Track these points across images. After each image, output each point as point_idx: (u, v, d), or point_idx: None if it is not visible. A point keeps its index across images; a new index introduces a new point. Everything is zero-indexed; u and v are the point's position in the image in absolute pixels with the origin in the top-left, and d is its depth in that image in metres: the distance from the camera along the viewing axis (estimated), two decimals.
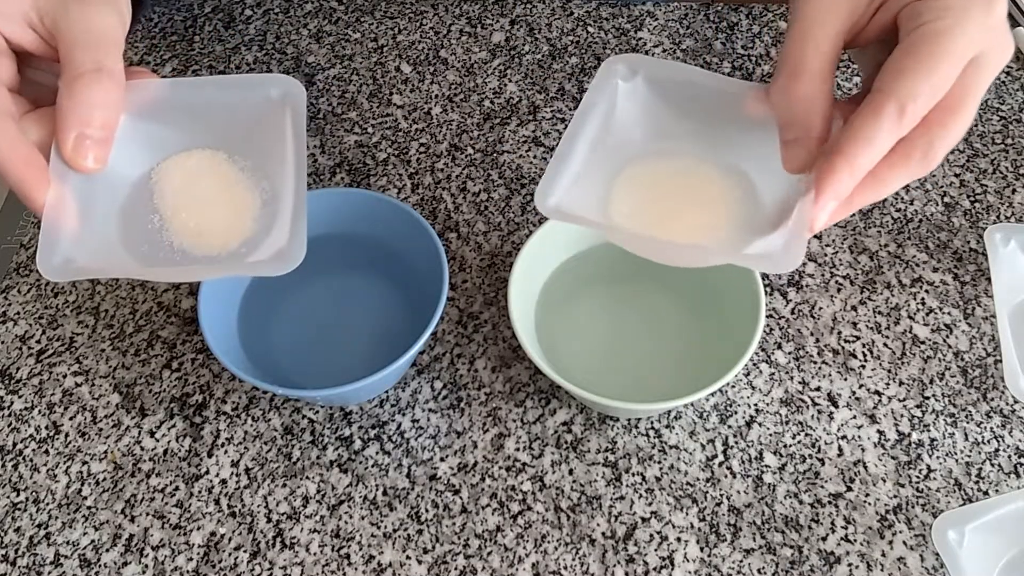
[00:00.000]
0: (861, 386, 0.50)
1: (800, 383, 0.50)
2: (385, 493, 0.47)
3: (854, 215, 0.56)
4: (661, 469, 0.47)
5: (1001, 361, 0.50)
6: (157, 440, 0.49)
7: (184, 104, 0.39)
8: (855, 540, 0.45)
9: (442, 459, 0.48)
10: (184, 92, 0.39)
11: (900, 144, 0.34)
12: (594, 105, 0.39)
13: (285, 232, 0.39)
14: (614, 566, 0.44)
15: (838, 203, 0.34)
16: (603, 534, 0.45)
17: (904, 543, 0.45)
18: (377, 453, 0.48)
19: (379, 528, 0.46)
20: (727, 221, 0.37)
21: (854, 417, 0.49)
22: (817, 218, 0.34)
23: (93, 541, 0.46)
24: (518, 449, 0.48)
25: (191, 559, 0.45)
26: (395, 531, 0.46)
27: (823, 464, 0.47)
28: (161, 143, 0.39)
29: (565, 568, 0.44)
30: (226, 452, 0.49)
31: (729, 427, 0.48)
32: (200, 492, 0.47)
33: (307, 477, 0.48)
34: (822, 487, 0.46)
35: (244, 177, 0.40)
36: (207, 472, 0.48)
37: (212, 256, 0.39)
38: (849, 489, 0.46)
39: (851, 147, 0.33)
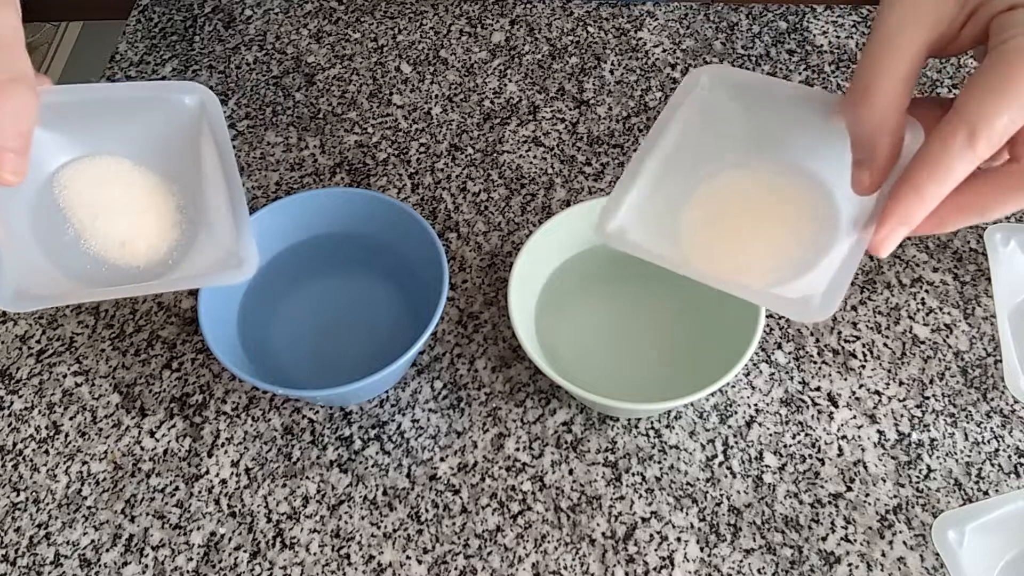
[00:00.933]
0: (861, 386, 0.50)
1: (800, 383, 0.50)
2: (385, 493, 0.47)
3: None
4: (661, 469, 0.47)
5: (1001, 361, 0.50)
6: (157, 440, 0.49)
7: (82, 110, 0.38)
8: (855, 540, 0.45)
9: (442, 459, 0.48)
10: (81, 97, 0.38)
11: (1005, 167, 0.31)
12: (671, 119, 0.38)
13: (221, 238, 0.38)
14: (614, 566, 0.44)
15: (908, 228, 0.32)
16: (603, 534, 0.45)
17: (904, 543, 0.45)
18: (377, 453, 0.48)
19: (379, 528, 0.46)
20: (799, 243, 0.36)
21: (854, 417, 0.49)
22: (881, 244, 0.32)
23: (93, 541, 0.46)
24: (518, 449, 0.48)
25: (191, 559, 0.45)
26: (395, 531, 0.46)
27: (823, 464, 0.47)
28: (58, 150, 0.38)
29: (565, 568, 0.44)
30: (226, 452, 0.49)
31: (729, 427, 0.48)
32: (200, 492, 0.47)
33: (307, 477, 0.48)
34: (822, 487, 0.46)
35: (152, 183, 0.40)
36: (207, 472, 0.48)
37: (138, 266, 0.39)
38: (849, 489, 0.46)
39: (918, 175, 0.31)
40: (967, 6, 0.32)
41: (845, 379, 0.50)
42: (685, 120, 0.38)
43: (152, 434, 0.49)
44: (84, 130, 0.39)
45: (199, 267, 0.39)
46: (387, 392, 0.50)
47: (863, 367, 0.50)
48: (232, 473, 0.48)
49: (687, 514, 0.46)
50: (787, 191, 0.37)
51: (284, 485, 0.47)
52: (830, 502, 0.46)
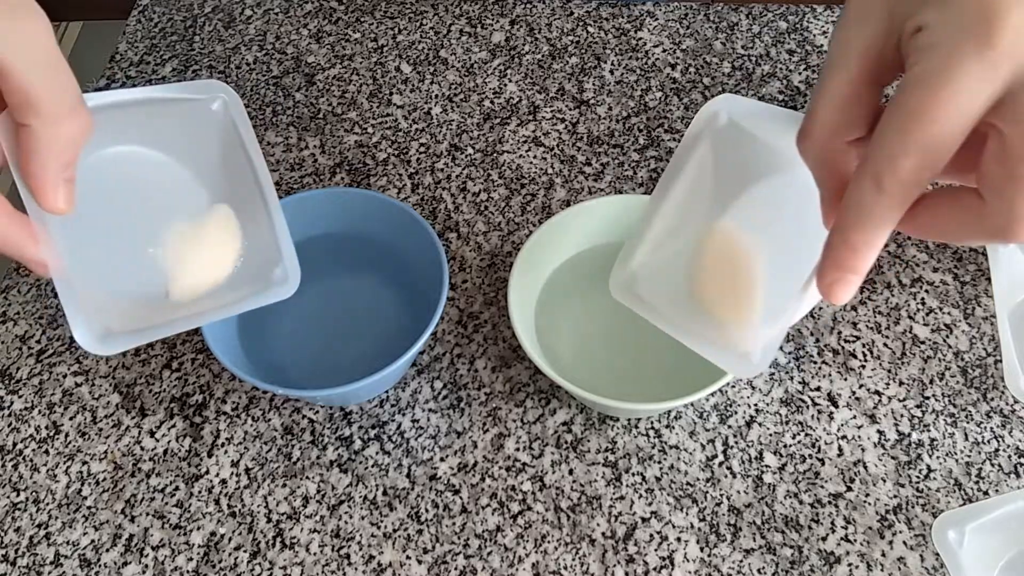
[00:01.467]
0: (861, 386, 0.50)
1: (800, 383, 0.50)
2: (385, 493, 0.47)
3: None
4: (661, 469, 0.47)
5: (1001, 361, 0.50)
6: (157, 440, 0.49)
7: (121, 116, 0.37)
8: (855, 540, 0.45)
9: (442, 459, 0.48)
10: (110, 101, 0.36)
11: (963, 197, 0.27)
12: (685, 160, 0.37)
13: (265, 250, 0.38)
14: (614, 566, 0.44)
15: (855, 275, 0.29)
16: (603, 534, 0.45)
17: (904, 543, 0.45)
18: (377, 453, 0.48)
19: (379, 528, 0.46)
20: (783, 295, 0.35)
21: (854, 417, 0.49)
22: (829, 292, 0.29)
23: (93, 541, 0.46)
24: (518, 449, 0.48)
25: (191, 559, 0.45)
26: (395, 531, 0.46)
27: (823, 464, 0.47)
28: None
29: (565, 568, 0.44)
30: (226, 452, 0.49)
31: (729, 427, 0.48)
32: (200, 492, 0.47)
33: (307, 477, 0.48)
34: (822, 487, 0.46)
35: (205, 196, 0.39)
36: (207, 472, 0.48)
37: (204, 284, 0.38)
38: (849, 489, 0.46)
39: (843, 221, 0.28)
40: (893, 30, 0.28)
41: (845, 379, 0.50)
42: (699, 162, 0.38)
43: (152, 434, 0.49)
44: (123, 135, 0.38)
45: (250, 284, 0.39)
46: (387, 392, 0.50)
47: (863, 367, 0.50)
48: (232, 473, 0.48)
49: (687, 514, 0.46)
50: (779, 241, 0.36)
51: (284, 485, 0.47)
52: (830, 502, 0.46)
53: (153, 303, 0.38)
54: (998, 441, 0.48)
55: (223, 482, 0.48)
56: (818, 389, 0.50)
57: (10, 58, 0.30)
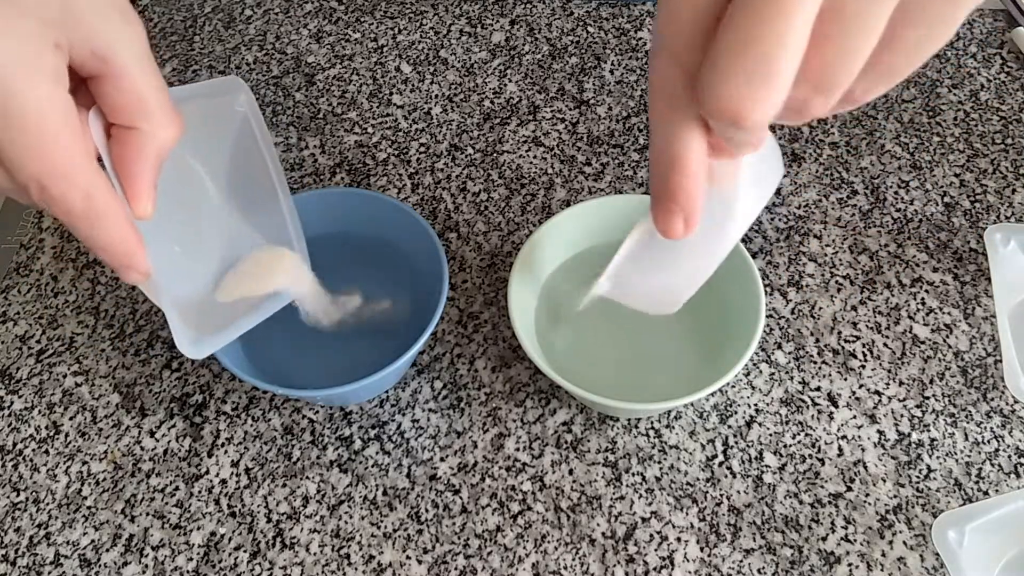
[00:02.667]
0: (861, 386, 0.50)
1: (800, 383, 0.50)
2: (385, 493, 0.47)
3: (854, 215, 0.56)
4: (661, 469, 0.47)
5: (1001, 361, 0.50)
6: (157, 440, 0.49)
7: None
8: (855, 540, 0.45)
9: (442, 459, 0.48)
10: None
11: None
12: None
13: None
14: (614, 566, 0.44)
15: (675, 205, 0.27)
16: (603, 534, 0.45)
17: (904, 543, 0.45)
18: (377, 453, 0.48)
19: (379, 528, 0.46)
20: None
21: (854, 417, 0.49)
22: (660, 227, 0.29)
23: (93, 541, 0.46)
24: (518, 449, 0.48)
25: (191, 559, 0.45)
26: (395, 531, 0.46)
27: (823, 464, 0.47)
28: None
29: (565, 568, 0.44)
30: (226, 452, 0.49)
31: (729, 427, 0.48)
32: (200, 492, 0.47)
33: (307, 477, 0.48)
34: (822, 487, 0.46)
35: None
36: (207, 472, 0.48)
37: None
38: (849, 489, 0.46)
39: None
40: None
41: (845, 379, 0.50)
42: None
43: (152, 434, 0.49)
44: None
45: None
46: (387, 392, 0.50)
47: (863, 367, 0.50)
48: (232, 473, 0.48)
49: (687, 514, 0.46)
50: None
51: (284, 485, 0.47)
52: (830, 502, 0.46)
53: (209, 303, 0.38)
54: (998, 441, 0.48)
55: (223, 482, 0.48)
56: (818, 389, 0.50)
57: (125, 58, 0.29)
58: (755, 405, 0.49)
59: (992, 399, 0.49)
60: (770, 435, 0.48)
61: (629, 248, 0.35)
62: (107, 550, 0.46)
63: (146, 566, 0.45)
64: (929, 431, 0.48)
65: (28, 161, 0.28)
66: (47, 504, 0.47)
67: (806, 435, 0.48)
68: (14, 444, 0.49)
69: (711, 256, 0.34)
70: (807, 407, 0.49)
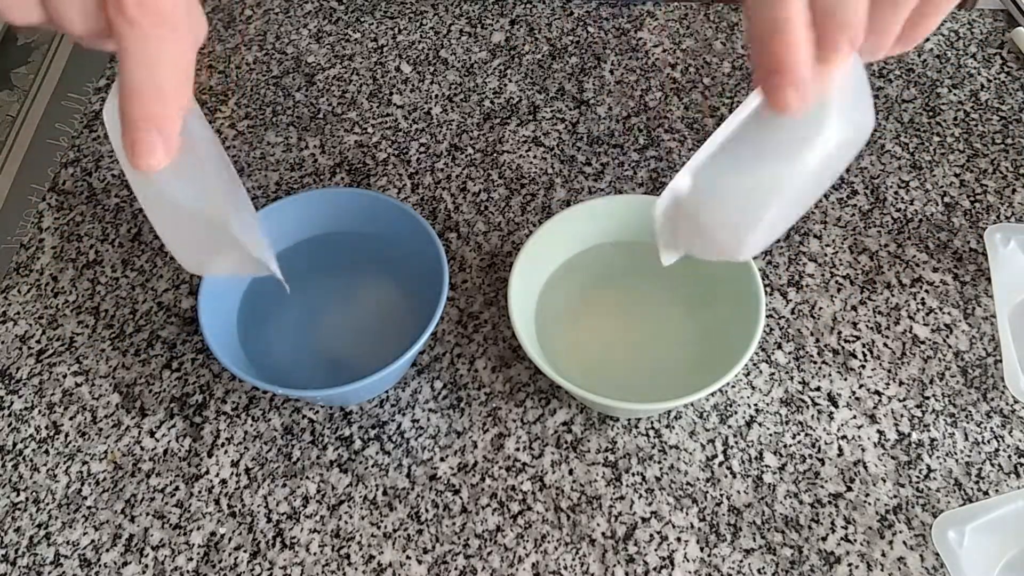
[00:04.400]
0: (861, 386, 0.50)
1: (800, 383, 0.50)
2: (385, 493, 0.47)
3: (854, 215, 0.56)
4: (661, 469, 0.47)
5: (1001, 361, 0.50)
6: (157, 440, 0.49)
7: None
8: (855, 540, 0.45)
9: (442, 459, 0.48)
10: None
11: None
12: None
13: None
14: (614, 566, 0.44)
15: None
16: (603, 534, 0.45)
17: (904, 543, 0.45)
18: (377, 453, 0.48)
19: (379, 528, 0.46)
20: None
21: (854, 417, 0.49)
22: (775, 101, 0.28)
23: (93, 541, 0.46)
24: (518, 449, 0.48)
25: (191, 559, 0.45)
26: (395, 531, 0.46)
27: (823, 464, 0.47)
28: None
29: (565, 568, 0.44)
30: (226, 452, 0.49)
31: (729, 427, 0.48)
32: (200, 492, 0.47)
33: (307, 477, 0.48)
34: (822, 487, 0.46)
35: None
36: (207, 472, 0.48)
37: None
38: (849, 489, 0.46)
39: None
40: None
41: (845, 379, 0.50)
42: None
43: (152, 434, 0.49)
44: None
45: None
46: (387, 392, 0.50)
47: (863, 367, 0.50)
48: (232, 473, 0.48)
49: (687, 514, 0.46)
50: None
51: (284, 485, 0.47)
52: (830, 502, 0.46)
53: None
54: (998, 441, 0.48)
55: (223, 482, 0.48)
56: (818, 389, 0.50)
57: None
58: (755, 405, 0.49)
59: (992, 399, 0.49)
60: (770, 435, 0.48)
61: (725, 134, 0.32)
62: (107, 550, 0.46)
63: (146, 566, 0.45)
64: (929, 431, 0.48)
65: None
66: (47, 504, 0.47)
67: (806, 435, 0.48)
68: (14, 444, 0.49)
69: (797, 176, 0.32)
70: (807, 407, 0.49)
